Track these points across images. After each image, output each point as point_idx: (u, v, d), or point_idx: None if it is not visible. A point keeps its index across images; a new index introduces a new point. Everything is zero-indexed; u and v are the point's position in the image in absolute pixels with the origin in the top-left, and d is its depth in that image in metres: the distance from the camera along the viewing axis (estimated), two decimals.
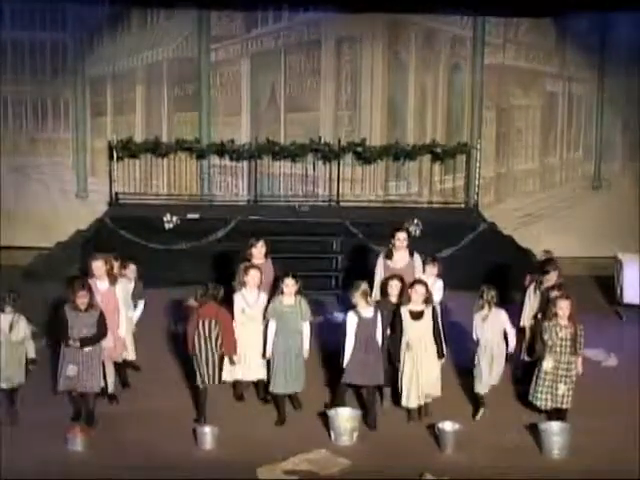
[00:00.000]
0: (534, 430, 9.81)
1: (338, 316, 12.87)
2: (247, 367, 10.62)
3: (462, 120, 18.35)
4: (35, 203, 17.88)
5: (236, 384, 10.81)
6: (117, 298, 10.68)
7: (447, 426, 9.65)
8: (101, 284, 10.64)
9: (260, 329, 10.53)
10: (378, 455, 9.48)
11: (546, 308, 10.35)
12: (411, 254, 11.50)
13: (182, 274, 15.32)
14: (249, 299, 10.62)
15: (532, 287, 11.30)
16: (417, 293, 10.19)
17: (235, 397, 10.82)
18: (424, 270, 11.29)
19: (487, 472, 9.10)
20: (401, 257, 11.47)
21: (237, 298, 10.67)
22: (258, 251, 11.43)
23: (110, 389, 10.62)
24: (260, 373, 10.66)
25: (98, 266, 10.65)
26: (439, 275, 11.31)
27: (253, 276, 10.59)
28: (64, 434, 9.52)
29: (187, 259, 15.55)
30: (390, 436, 9.91)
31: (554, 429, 9.61)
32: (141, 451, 9.40)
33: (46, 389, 10.58)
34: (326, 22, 17.97)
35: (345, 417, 9.81)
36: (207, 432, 9.56)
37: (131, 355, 11.29)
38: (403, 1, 17.28)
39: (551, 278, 11.05)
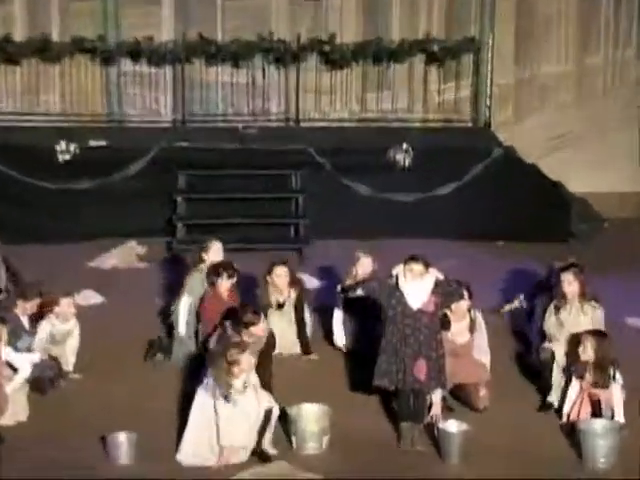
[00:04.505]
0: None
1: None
2: None
3: (468, 7, 18.34)
4: None
5: None
6: None
7: (451, 426, 9.67)
8: None
9: None
10: (356, 467, 9.52)
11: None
12: None
13: (85, 224, 15.32)
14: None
15: None
16: None
17: None
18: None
19: None
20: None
21: None
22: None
23: None
24: None
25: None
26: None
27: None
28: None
29: (91, 203, 15.59)
30: (372, 442, 9.98)
31: (598, 430, 9.72)
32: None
33: None
34: None
35: (311, 417, 9.83)
36: (123, 442, 9.69)
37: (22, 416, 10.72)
38: None
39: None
